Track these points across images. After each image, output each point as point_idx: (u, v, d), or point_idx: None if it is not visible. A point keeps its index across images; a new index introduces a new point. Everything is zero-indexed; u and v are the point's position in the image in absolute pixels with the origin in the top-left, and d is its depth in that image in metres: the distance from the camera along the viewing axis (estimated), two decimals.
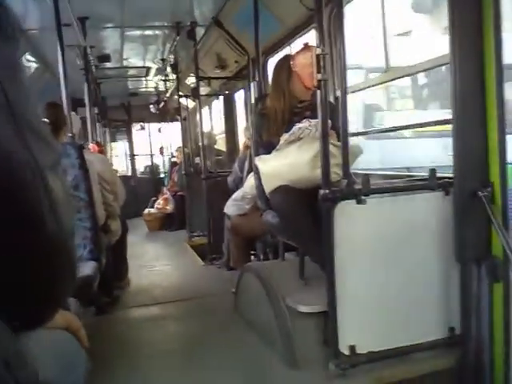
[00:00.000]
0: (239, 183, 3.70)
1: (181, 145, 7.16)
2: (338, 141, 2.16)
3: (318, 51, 1.77)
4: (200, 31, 4.40)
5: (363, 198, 1.74)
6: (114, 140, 9.67)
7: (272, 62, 3.89)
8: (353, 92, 2.68)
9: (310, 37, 3.49)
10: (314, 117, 2.39)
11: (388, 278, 1.79)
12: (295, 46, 3.86)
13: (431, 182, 1.87)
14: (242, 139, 6.01)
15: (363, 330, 1.77)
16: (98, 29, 4.50)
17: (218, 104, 6.69)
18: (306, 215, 2.15)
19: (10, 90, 0.41)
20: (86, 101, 4.30)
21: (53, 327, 0.72)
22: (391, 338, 1.79)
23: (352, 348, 1.74)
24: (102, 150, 4.31)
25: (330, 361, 1.76)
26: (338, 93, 2.80)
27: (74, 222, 0.50)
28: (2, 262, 0.42)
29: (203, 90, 5.20)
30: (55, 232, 0.44)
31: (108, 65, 5.78)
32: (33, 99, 0.46)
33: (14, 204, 0.41)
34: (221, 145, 6.85)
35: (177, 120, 7.70)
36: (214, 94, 6.12)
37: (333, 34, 2.86)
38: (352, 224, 1.76)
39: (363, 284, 1.77)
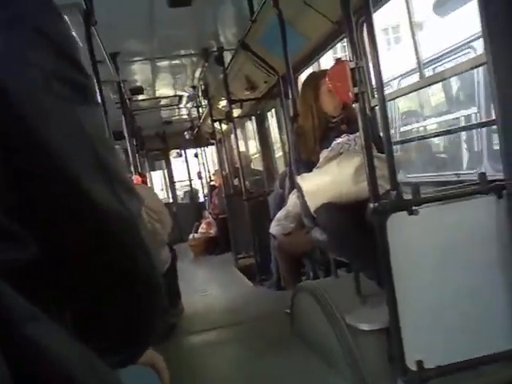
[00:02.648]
0: (281, 201, 3.69)
1: (218, 168, 7.25)
2: (378, 152, 2.14)
3: (352, 65, 1.76)
4: (227, 55, 4.47)
5: (415, 208, 1.70)
6: (152, 169, 9.89)
7: (301, 79, 3.91)
8: (389, 100, 2.64)
9: (339, 49, 3.50)
10: (350, 130, 2.39)
11: (450, 287, 1.73)
12: (323, 60, 3.87)
13: (482, 187, 1.81)
14: (279, 159, 6.03)
15: (429, 344, 1.71)
16: (128, 63, 4.65)
17: (251, 124, 6.75)
18: (353, 230, 2.13)
19: (102, 150, 0.44)
20: (125, 133, 4.42)
21: (139, 363, 0.74)
22: (460, 351, 1.72)
23: (419, 363, 1.68)
24: (145, 181, 4.41)
25: (398, 378, 1.70)
26: (373, 103, 2.80)
27: (165, 258, 0.52)
28: (102, 300, 0.45)
29: (235, 112, 5.26)
30: (149, 274, 0.48)
31: (141, 96, 5.95)
32: (115, 151, 0.49)
33: (117, 253, 0.44)
34: (256, 165, 6.89)
35: (212, 144, 7.81)
36: (246, 116, 6.17)
37: (361, 43, 2.85)
38: (406, 236, 1.72)
39: (425, 296, 1.71)
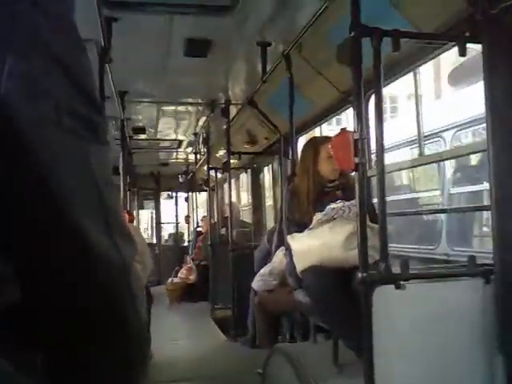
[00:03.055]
0: (267, 257, 3.68)
1: (206, 214, 7.24)
2: (371, 221, 2.17)
3: (356, 136, 1.82)
4: (233, 109, 4.58)
5: (402, 283, 1.70)
6: (141, 207, 9.84)
7: (302, 140, 4.00)
8: (387, 173, 2.70)
9: (343, 118, 3.61)
10: (344, 197, 2.43)
11: (428, 366, 1.70)
12: (325, 126, 3.98)
13: (470, 269, 1.83)
14: (269, 214, 6.05)
15: None
16: (135, 102, 4.73)
17: (245, 176, 6.81)
18: (338, 297, 2.12)
19: (106, 192, 0.43)
20: (121, 171, 4.43)
21: None
22: None
23: None
24: (132, 219, 4.38)
25: None
26: (369, 173, 2.86)
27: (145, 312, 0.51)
28: (85, 346, 0.43)
29: (232, 163, 5.33)
30: (136, 324, 0.46)
31: (142, 136, 6.01)
32: (116, 194, 0.49)
33: (104, 300, 0.43)
34: (246, 217, 6.90)
35: (204, 190, 7.84)
36: (242, 167, 6.25)
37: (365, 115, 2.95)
38: (390, 309, 1.71)
39: (403, 372, 1.69)
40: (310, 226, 2.33)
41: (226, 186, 6.05)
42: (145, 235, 9.32)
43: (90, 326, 0.42)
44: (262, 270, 3.50)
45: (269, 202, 6.03)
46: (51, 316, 0.40)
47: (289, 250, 2.46)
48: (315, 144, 2.56)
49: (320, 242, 2.23)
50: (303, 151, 2.64)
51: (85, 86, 0.44)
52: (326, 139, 2.48)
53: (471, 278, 1.81)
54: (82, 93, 0.43)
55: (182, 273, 6.90)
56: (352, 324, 1.91)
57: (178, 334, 4.50)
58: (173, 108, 5.05)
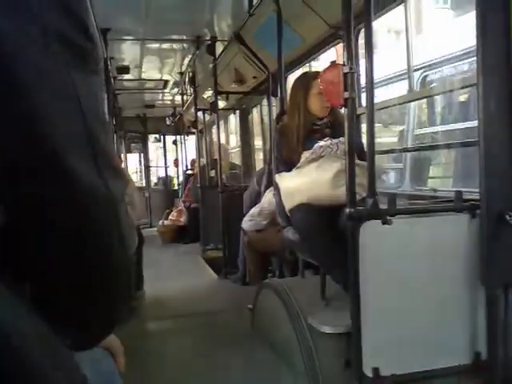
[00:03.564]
0: (256, 198, 3.70)
1: (195, 157, 7.19)
2: (359, 159, 2.16)
3: (346, 69, 1.77)
4: (219, 46, 4.44)
5: (389, 218, 1.72)
6: (128, 151, 9.75)
7: (291, 78, 3.91)
8: (377, 110, 2.67)
9: (331, 53, 3.52)
10: (334, 135, 2.41)
11: (413, 300, 1.76)
12: (315, 63, 3.89)
13: (457, 204, 1.85)
14: (258, 155, 6.04)
15: (387, 352, 1.74)
16: (118, 41, 4.56)
17: (234, 118, 6.73)
18: (326, 234, 2.14)
19: (94, 126, 0.41)
20: (106, 112, 4.33)
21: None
22: (416, 362, 1.75)
23: (376, 370, 1.70)
24: (120, 163, 4.34)
25: (352, 383, 1.73)
26: (358, 111, 2.82)
27: (134, 248, 0.50)
28: (69, 278, 0.42)
29: (220, 104, 5.24)
30: (121, 258, 0.45)
31: (126, 76, 5.85)
32: (109, 129, 0.47)
33: (89, 233, 0.42)
34: (235, 159, 6.88)
35: (192, 133, 7.76)
36: (231, 108, 6.15)
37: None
38: (377, 244, 1.74)
39: (388, 305, 1.74)
40: (298, 165, 2.31)
41: (214, 128, 5.99)
42: (134, 179, 9.28)
43: (76, 255, 0.42)
44: (251, 211, 3.52)
45: (258, 143, 5.99)
46: (36, 244, 0.40)
47: (277, 189, 2.46)
48: (306, 79, 2.49)
49: (308, 180, 2.22)
50: (293, 87, 2.57)
51: (76, 9, 0.41)
52: (318, 74, 2.41)
53: (457, 213, 1.84)
54: (74, 17, 0.40)
55: (173, 215, 6.95)
56: (339, 259, 1.94)
57: (169, 274, 4.58)
58: (157, 46, 4.89)
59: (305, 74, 2.65)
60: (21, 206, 0.38)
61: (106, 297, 0.46)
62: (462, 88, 2.11)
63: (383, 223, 1.72)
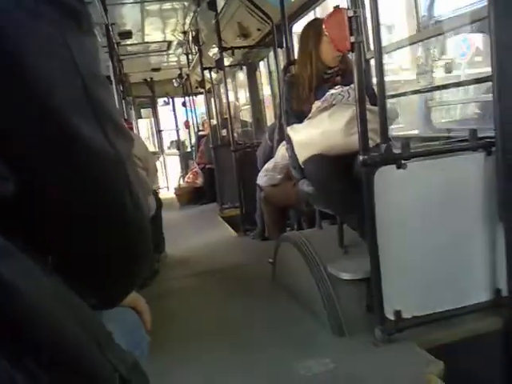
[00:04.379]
0: (270, 153, 3.68)
1: (205, 117, 7.15)
2: (371, 105, 2.12)
3: (350, 13, 1.72)
4: (220, 0, 4.31)
5: (403, 162, 1.70)
6: (139, 117, 9.73)
7: (296, 28, 3.81)
8: (387, 53, 2.60)
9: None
10: (345, 83, 2.35)
11: (431, 241, 1.76)
12: (319, 10, 3.76)
13: (472, 143, 1.82)
14: (268, 110, 5.97)
15: (408, 294, 1.76)
16: (118, 5, 4.47)
17: (241, 75, 6.62)
18: (341, 183, 2.13)
19: (92, 85, 0.41)
20: (112, 78, 4.30)
21: (121, 305, 0.74)
22: (436, 302, 1.78)
23: (397, 313, 1.73)
24: (131, 128, 4.34)
25: (375, 326, 1.77)
26: (368, 55, 2.75)
27: (147, 207, 0.50)
28: (88, 244, 0.43)
29: (226, 61, 5.14)
30: (136, 218, 0.46)
31: (129, 41, 5.77)
32: (108, 88, 0.46)
33: (101, 195, 0.42)
34: (246, 116, 6.81)
35: (201, 93, 7.67)
36: (237, 64, 6.04)
37: None
38: (393, 189, 1.73)
39: (406, 248, 1.75)
40: (309, 116, 2.28)
41: (222, 86, 5.90)
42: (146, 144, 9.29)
43: (89, 217, 0.42)
44: (265, 166, 3.52)
45: (267, 98, 5.91)
46: (49, 211, 0.40)
47: (290, 142, 2.44)
48: (317, 25, 2.37)
49: (320, 131, 2.20)
50: (303, 35, 2.46)
51: None
52: None
53: (472, 152, 1.81)
54: None
55: (189, 177, 6.98)
56: (355, 207, 1.94)
57: (189, 234, 4.66)
58: (157, 6, 4.79)
59: (315, 20, 2.55)
60: (29, 174, 0.38)
61: (125, 257, 0.47)
62: (472, 23, 2.03)
63: (398, 168, 1.71)
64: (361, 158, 1.72)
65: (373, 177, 1.70)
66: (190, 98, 8.12)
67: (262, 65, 5.85)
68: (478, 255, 1.81)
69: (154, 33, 5.80)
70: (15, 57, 0.36)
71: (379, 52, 1.77)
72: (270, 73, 5.45)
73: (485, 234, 1.80)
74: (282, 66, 3.16)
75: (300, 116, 2.37)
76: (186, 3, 4.66)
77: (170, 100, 9.61)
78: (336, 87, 2.26)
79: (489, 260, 1.81)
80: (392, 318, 1.74)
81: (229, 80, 5.79)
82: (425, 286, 1.78)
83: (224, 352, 1.95)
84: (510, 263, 1.72)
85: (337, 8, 2.12)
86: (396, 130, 2.66)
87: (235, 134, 4.91)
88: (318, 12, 3.79)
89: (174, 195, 7.02)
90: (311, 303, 2.12)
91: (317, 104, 2.27)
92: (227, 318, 2.35)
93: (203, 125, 7.63)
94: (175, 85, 8.34)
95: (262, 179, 3.50)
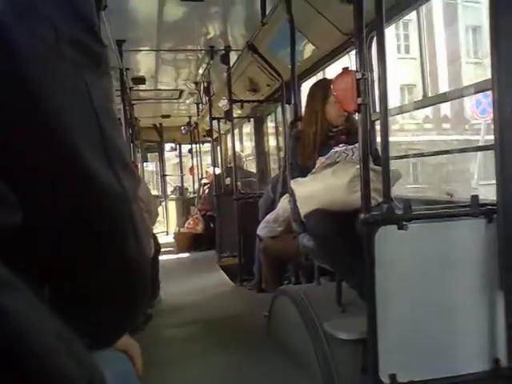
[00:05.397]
0: (271, 205, 3.70)
1: (210, 166, 7.23)
2: (374, 165, 2.16)
3: (359, 75, 1.78)
4: (233, 55, 4.47)
5: (404, 223, 1.71)
6: (145, 160, 9.84)
7: (305, 86, 3.93)
8: (391, 116, 2.66)
9: (345, 61, 3.52)
10: (349, 141, 2.41)
11: (430, 305, 1.75)
12: (329, 70, 3.89)
13: (473, 209, 1.83)
14: (272, 163, 6.04)
15: (404, 358, 1.72)
16: (134, 51, 4.63)
17: (248, 126, 6.76)
18: (342, 239, 2.14)
19: (105, 122, 0.42)
20: (123, 122, 4.40)
21: (114, 348, 0.73)
22: (433, 368, 1.73)
23: (393, 377, 1.69)
24: (137, 168, 4.39)
25: None
26: (373, 117, 2.82)
27: (149, 248, 0.51)
28: (88, 279, 0.43)
29: (235, 113, 5.26)
30: (138, 258, 0.46)
31: (142, 87, 5.92)
32: (120, 128, 0.48)
33: (105, 232, 0.43)
34: (250, 166, 6.89)
35: (207, 141, 7.80)
36: (245, 117, 6.18)
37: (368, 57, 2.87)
38: (393, 249, 1.73)
39: (405, 311, 1.73)
40: (313, 170, 2.32)
41: (229, 136, 6.01)
42: (150, 187, 9.36)
43: (91, 254, 0.42)
44: (266, 217, 3.53)
45: (272, 151, 6.01)
46: (51, 243, 0.40)
47: (292, 195, 2.46)
48: (325, 85, 2.47)
49: (323, 186, 2.23)
50: (311, 93, 2.56)
51: (85, 12, 0.42)
52: None
53: (474, 218, 1.82)
54: (83, 20, 0.41)
55: (189, 223, 6.98)
56: (355, 265, 1.94)
57: (185, 281, 4.61)
58: (172, 56, 4.95)
59: (323, 80, 2.65)
60: (37, 204, 0.38)
61: (124, 296, 0.47)
62: (477, 92, 2.10)
63: (399, 228, 1.72)
64: (362, 216, 1.73)
65: (374, 236, 1.71)
66: (197, 145, 8.26)
67: (268, 119, 5.98)
68: (477, 323, 1.78)
69: (166, 80, 5.96)
70: (40, 97, 0.37)
71: (385, 114, 1.82)
72: (276, 127, 5.57)
73: (484, 301, 1.78)
74: (288, 122, 3.24)
75: (304, 170, 2.42)
76: (199, 55, 4.82)
77: (177, 146, 9.76)
78: (340, 145, 2.32)
79: (488, 329, 1.78)
80: (387, 381, 1.70)
81: (236, 131, 5.91)
82: (422, 351, 1.74)
83: None
84: (510, 334, 1.69)
85: (346, 69, 2.20)
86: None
87: (238, 183, 4.96)
88: (327, 72, 3.93)
89: (172, 239, 7.00)
90: (305, 360, 2.07)
91: (321, 160, 2.31)
92: (218, 372, 2.29)
93: (206, 173, 7.72)
94: (183, 132, 8.49)
95: (262, 230, 3.51)
